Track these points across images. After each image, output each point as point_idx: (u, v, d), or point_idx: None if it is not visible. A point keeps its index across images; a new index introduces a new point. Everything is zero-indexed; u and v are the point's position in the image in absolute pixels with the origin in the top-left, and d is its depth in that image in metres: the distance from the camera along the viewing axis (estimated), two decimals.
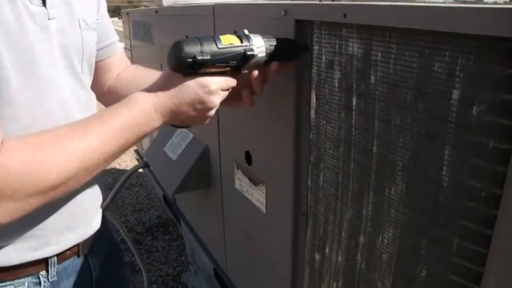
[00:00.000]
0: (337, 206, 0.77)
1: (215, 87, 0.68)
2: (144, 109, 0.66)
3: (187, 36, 0.65)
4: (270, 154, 0.96)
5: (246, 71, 0.71)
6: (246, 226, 1.15)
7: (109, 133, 0.64)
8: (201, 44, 0.64)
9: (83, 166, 0.62)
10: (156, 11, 1.62)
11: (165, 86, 0.68)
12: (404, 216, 0.63)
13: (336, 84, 0.72)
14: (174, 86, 0.67)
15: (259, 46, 0.70)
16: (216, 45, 0.66)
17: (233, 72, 0.70)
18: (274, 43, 0.73)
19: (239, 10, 1.02)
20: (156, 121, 0.68)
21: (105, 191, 0.91)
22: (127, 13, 2.19)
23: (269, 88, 0.82)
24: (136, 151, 2.61)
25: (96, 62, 0.86)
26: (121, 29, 2.44)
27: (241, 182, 1.10)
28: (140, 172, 3.18)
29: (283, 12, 0.79)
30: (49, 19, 0.68)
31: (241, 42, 0.68)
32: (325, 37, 0.73)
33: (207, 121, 0.73)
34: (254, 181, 1.03)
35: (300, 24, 0.78)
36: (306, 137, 0.83)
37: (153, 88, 0.69)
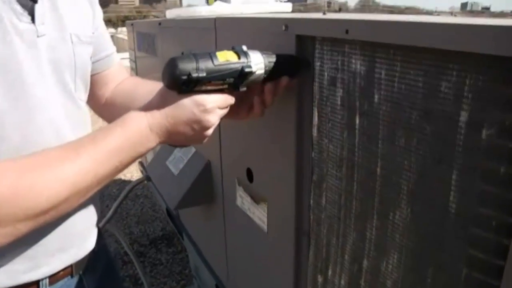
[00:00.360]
0: (340, 228, 0.74)
1: (212, 106, 0.65)
2: (139, 129, 0.64)
3: (183, 53, 0.63)
4: (271, 172, 0.93)
5: (245, 88, 0.68)
6: (247, 244, 1.12)
7: (103, 155, 0.61)
8: (197, 61, 0.62)
9: (76, 190, 0.59)
10: (159, 23, 1.61)
11: (161, 104, 0.65)
12: (410, 242, 0.60)
13: (339, 102, 0.69)
14: (170, 104, 0.65)
15: (258, 63, 0.68)
16: (212, 61, 0.63)
17: (231, 89, 0.68)
18: (274, 59, 0.70)
19: (240, 24, 1.00)
20: (152, 142, 0.65)
21: (102, 206, 0.88)
22: (132, 25, 2.19)
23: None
24: (140, 163, 2.59)
25: (92, 75, 0.83)
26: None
27: (243, 200, 1.08)
28: (145, 183, 3.16)
29: (284, 27, 0.77)
30: (38, 36, 0.66)
31: (239, 58, 0.66)
32: (327, 53, 0.70)
33: (205, 140, 0.71)
34: (256, 199, 1.00)
35: (301, 40, 0.75)
36: (308, 155, 0.80)
37: (148, 107, 0.66)
